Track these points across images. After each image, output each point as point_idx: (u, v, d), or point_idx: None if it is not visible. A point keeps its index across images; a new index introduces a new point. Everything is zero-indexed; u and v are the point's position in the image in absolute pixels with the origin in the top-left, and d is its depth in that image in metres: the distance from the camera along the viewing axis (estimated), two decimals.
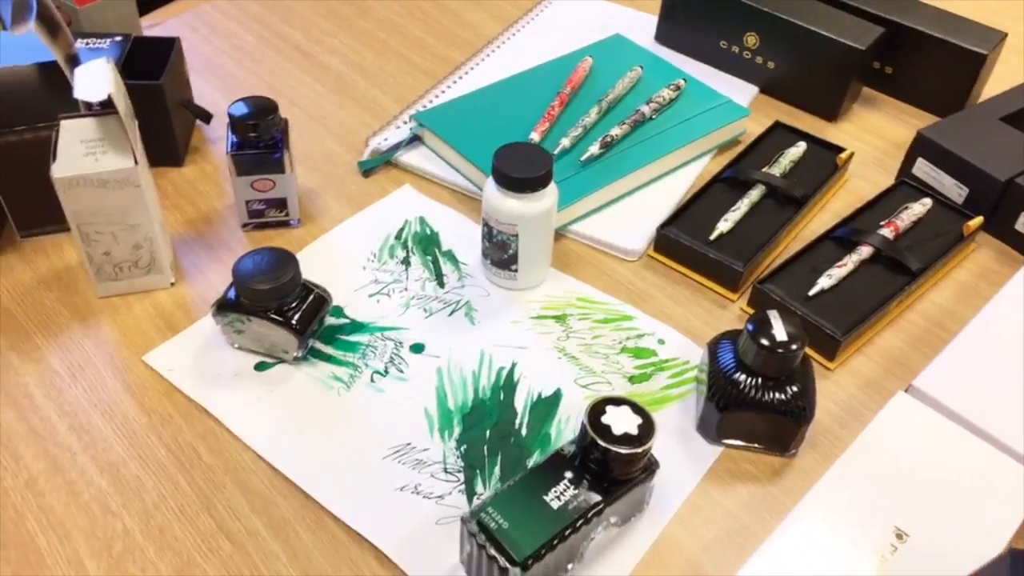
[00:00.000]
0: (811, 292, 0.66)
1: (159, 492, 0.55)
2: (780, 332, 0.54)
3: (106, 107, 0.58)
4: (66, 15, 0.80)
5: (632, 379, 0.63)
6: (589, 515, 0.49)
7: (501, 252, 0.66)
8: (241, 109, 0.68)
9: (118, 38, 0.77)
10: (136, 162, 0.59)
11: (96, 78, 0.58)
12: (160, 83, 0.72)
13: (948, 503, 0.52)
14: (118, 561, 0.52)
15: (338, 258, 0.71)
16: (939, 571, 0.46)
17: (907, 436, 0.55)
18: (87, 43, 0.76)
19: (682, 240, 0.70)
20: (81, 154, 0.59)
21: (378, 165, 0.79)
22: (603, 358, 0.64)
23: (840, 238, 0.70)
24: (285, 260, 0.60)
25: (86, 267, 0.64)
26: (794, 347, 0.54)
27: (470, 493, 0.56)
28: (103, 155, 0.59)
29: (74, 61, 0.68)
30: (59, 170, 0.58)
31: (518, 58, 0.91)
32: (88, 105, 0.61)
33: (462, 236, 0.73)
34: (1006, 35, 0.83)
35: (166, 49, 0.77)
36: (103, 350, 0.63)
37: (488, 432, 0.59)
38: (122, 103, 0.59)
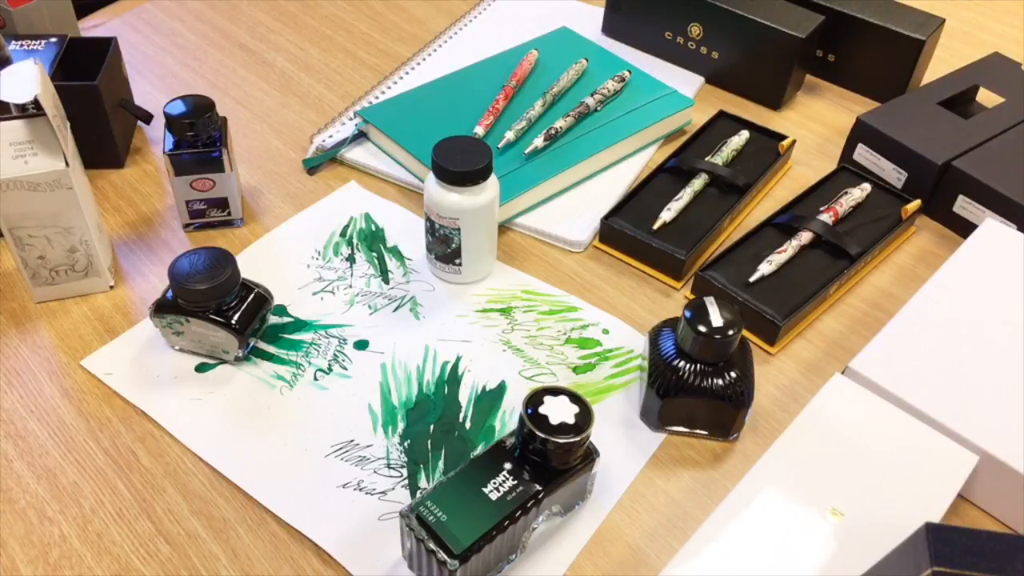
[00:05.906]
0: (752, 278, 0.66)
1: (97, 497, 0.54)
2: (716, 318, 0.55)
3: (35, 109, 0.57)
4: None
5: (577, 369, 0.63)
6: (528, 505, 0.49)
7: (444, 246, 0.66)
8: (177, 108, 0.67)
9: (53, 39, 0.76)
10: (67, 164, 0.59)
11: (23, 80, 0.57)
12: (96, 84, 0.71)
13: (883, 481, 0.53)
14: (55, 568, 0.51)
15: (282, 256, 0.70)
16: (874, 548, 0.47)
17: (843, 417, 0.56)
18: (21, 45, 0.75)
19: (626, 230, 0.70)
20: (10, 156, 0.58)
21: (323, 162, 0.79)
22: (548, 349, 0.64)
23: (781, 224, 0.71)
24: (222, 259, 0.59)
25: (21, 272, 0.63)
26: (730, 333, 0.54)
27: (413, 488, 0.55)
28: (33, 157, 0.58)
29: (6, 64, 0.67)
30: None
31: (465, 53, 0.91)
32: (19, 107, 0.60)
33: (408, 232, 0.73)
34: (944, 21, 0.84)
35: (103, 49, 0.76)
36: (40, 355, 0.62)
37: (432, 426, 0.59)
38: (51, 104, 0.58)
